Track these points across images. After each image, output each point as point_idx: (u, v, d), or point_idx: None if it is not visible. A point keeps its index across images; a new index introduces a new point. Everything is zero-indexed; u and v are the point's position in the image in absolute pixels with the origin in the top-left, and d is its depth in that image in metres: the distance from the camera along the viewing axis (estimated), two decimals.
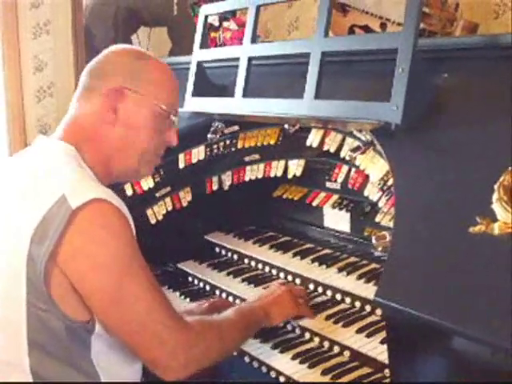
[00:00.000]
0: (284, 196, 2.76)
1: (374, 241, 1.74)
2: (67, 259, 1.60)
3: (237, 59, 2.37)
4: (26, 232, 1.60)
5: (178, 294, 2.63)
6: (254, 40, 2.33)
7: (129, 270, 1.64)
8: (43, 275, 1.59)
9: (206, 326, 1.84)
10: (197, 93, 2.56)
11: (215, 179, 2.75)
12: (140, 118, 1.85)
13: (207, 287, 2.64)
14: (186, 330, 1.74)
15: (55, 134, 1.86)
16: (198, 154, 2.64)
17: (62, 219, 1.57)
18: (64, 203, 1.58)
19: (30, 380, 1.67)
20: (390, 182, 1.88)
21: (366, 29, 2.83)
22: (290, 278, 2.40)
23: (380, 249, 1.74)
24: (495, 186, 1.44)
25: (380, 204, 1.96)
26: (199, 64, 2.58)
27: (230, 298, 2.47)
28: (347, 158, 2.06)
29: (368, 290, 2.09)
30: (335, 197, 2.52)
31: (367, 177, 2.03)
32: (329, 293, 2.22)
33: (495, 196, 1.43)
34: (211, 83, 2.62)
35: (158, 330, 1.68)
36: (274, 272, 2.50)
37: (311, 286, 2.30)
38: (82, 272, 1.61)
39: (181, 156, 2.65)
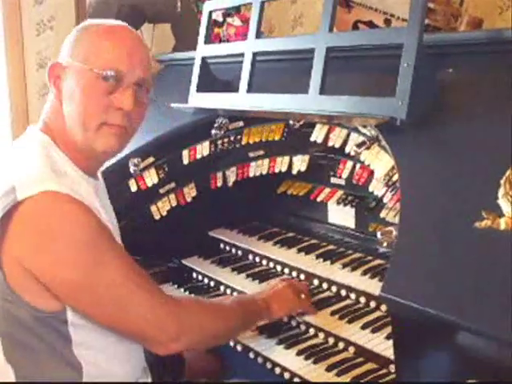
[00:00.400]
0: (288, 192, 2.75)
1: (379, 236, 1.73)
2: (27, 254, 1.59)
3: (241, 55, 2.36)
4: None
5: (182, 290, 2.63)
6: (258, 35, 2.32)
7: (97, 261, 1.62)
8: None
9: (197, 302, 1.88)
10: (201, 88, 2.55)
11: (219, 175, 2.74)
12: (73, 85, 1.77)
13: (211, 283, 2.63)
14: (173, 303, 1.76)
15: (37, 125, 1.85)
16: (203, 149, 2.63)
17: (4, 209, 1.57)
18: (11, 194, 1.58)
19: (10, 370, 1.69)
20: (395, 177, 1.88)
21: (370, 24, 2.82)
22: (294, 273, 2.40)
23: (385, 244, 1.74)
24: (501, 181, 1.44)
25: (385, 199, 1.96)
26: (203, 60, 2.58)
27: (235, 294, 2.46)
28: (352, 153, 2.05)
29: (373, 286, 2.09)
30: (340, 192, 2.52)
31: (372, 172, 2.02)
32: (333, 289, 2.23)
33: (501, 191, 1.42)
34: (215, 79, 2.62)
35: (143, 310, 1.68)
36: (279, 268, 2.49)
37: (316, 282, 2.30)
38: (48, 267, 1.60)
39: (185, 152, 2.64)
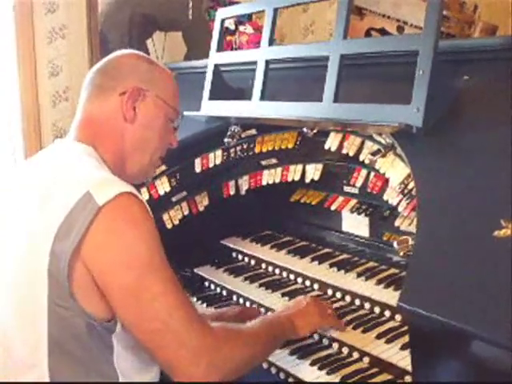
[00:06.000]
0: (302, 200, 2.73)
1: (395, 245, 1.72)
2: (90, 253, 1.58)
3: (253, 63, 2.35)
4: (49, 230, 1.59)
5: (194, 299, 2.61)
6: (271, 43, 2.31)
7: (151, 267, 1.61)
8: (67, 271, 1.57)
9: (229, 332, 1.77)
10: (213, 96, 2.55)
11: (232, 183, 2.74)
12: (156, 118, 1.89)
13: (224, 292, 2.62)
14: (210, 335, 1.67)
15: (70, 136, 1.86)
16: (215, 158, 2.63)
17: (88, 215, 1.56)
18: (90, 200, 1.57)
19: (46, 374, 1.65)
20: (410, 185, 1.86)
21: (383, 32, 2.82)
22: (308, 283, 2.39)
23: (402, 254, 1.72)
24: None
25: (400, 208, 1.94)
26: (216, 67, 2.57)
27: (247, 304, 2.45)
28: (366, 161, 2.04)
29: (387, 295, 2.08)
30: (354, 201, 2.49)
31: (386, 181, 2.01)
32: (348, 298, 2.21)
33: None
34: (228, 87, 2.61)
35: (180, 331, 1.62)
36: (292, 277, 2.48)
37: (330, 292, 2.28)
38: (105, 266, 1.59)
39: (197, 160, 2.64)
